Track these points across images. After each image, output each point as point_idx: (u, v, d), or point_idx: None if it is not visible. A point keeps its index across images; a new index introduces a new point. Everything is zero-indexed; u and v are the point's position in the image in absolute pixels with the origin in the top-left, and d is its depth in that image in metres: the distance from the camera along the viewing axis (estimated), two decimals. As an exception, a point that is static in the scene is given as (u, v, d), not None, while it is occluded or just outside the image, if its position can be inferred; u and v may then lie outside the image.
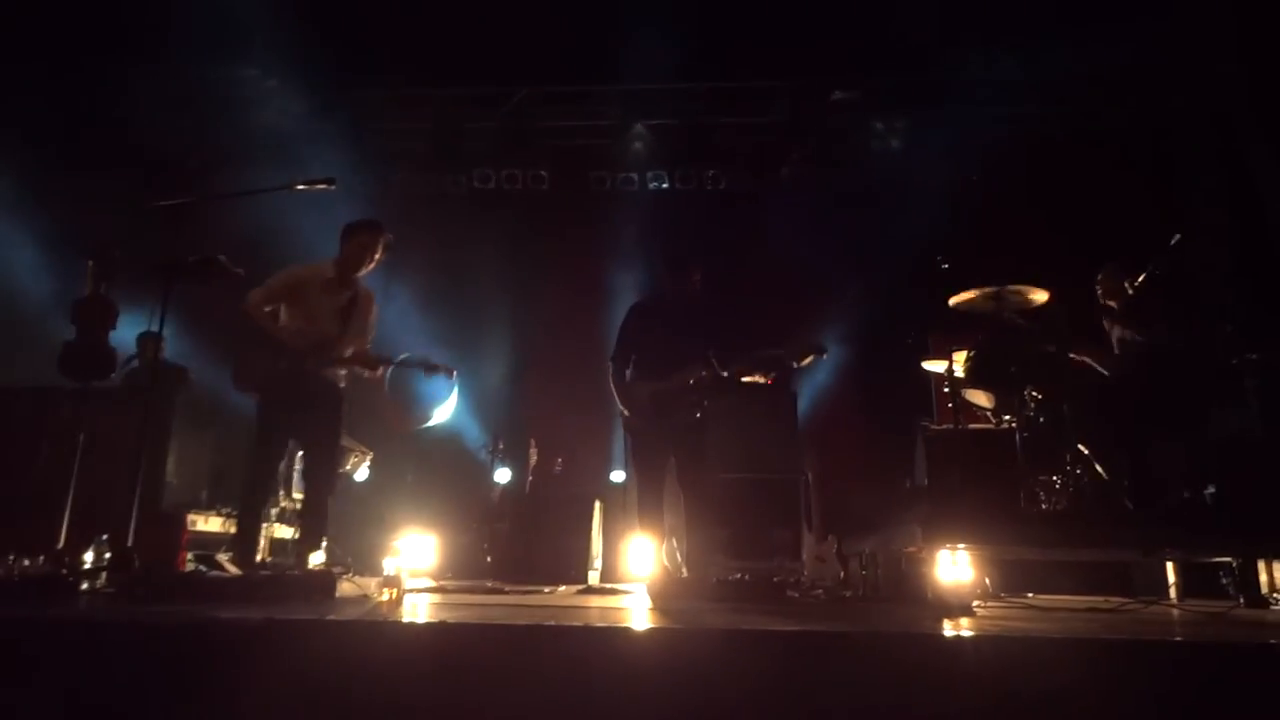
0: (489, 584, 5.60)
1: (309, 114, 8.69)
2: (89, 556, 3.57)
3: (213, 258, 4.10)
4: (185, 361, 6.41)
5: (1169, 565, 4.97)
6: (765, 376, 4.91)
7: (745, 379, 4.84)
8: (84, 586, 3.41)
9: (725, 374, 4.68)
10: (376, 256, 4.71)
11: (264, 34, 7.64)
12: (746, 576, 5.65)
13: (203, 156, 8.54)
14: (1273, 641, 2.43)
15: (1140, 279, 4.71)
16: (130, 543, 3.56)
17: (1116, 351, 4.90)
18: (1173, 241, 4.71)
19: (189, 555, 5.14)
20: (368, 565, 5.50)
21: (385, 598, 3.44)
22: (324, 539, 4.63)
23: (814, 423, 7.38)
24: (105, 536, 3.62)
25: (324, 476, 4.70)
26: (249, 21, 7.46)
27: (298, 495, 6.50)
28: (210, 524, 5.73)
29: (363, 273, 4.74)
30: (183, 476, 5.72)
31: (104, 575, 3.47)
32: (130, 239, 4.98)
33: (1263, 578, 4.49)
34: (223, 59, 8.46)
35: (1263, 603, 4.43)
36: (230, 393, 4.77)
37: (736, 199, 8.84)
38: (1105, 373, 4.81)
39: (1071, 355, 4.64)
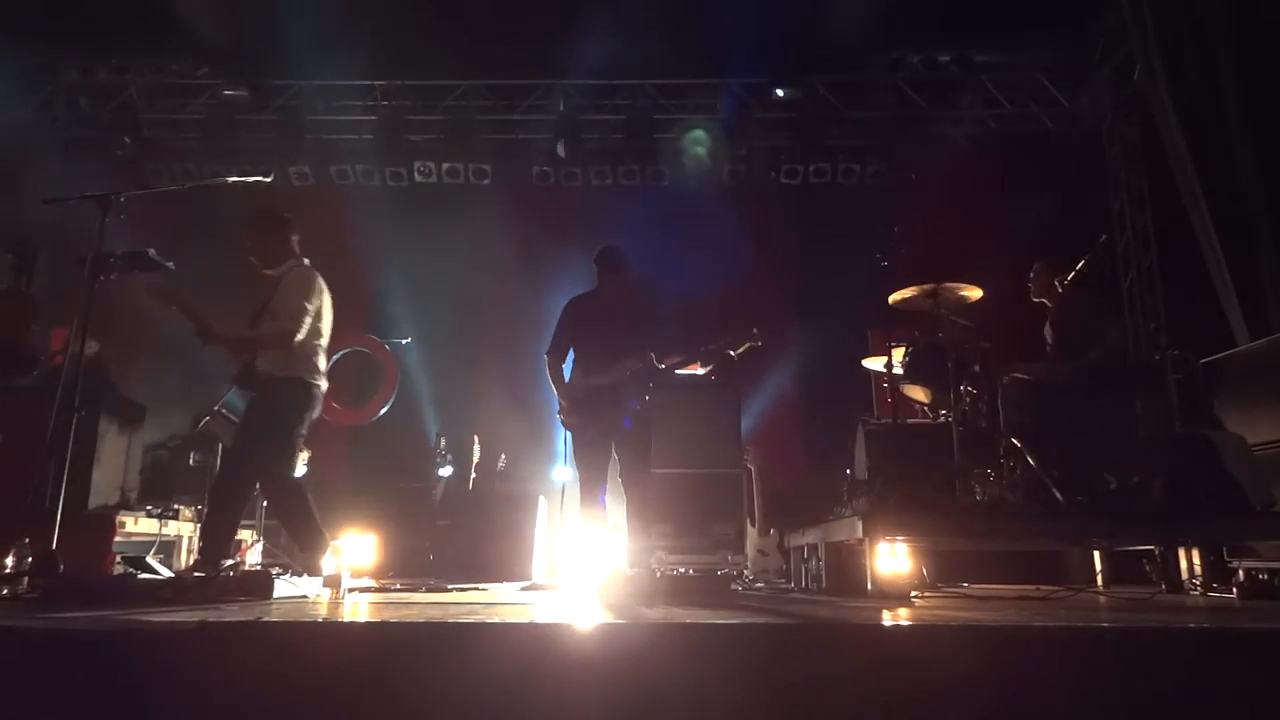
0: (431, 582, 5.54)
1: (244, 105, 8.47)
2: (10, 560, 3.43)
3: (141, 251, 3.96)
4: (113, 359, 6.21)
5: (1096, 554, 5.16)
6: (704, 368, 4.93)
7: (683, 371, 4.84)
8: (4, 592, 3.28)
9: (663, 366, 4.68)
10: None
11: (197, 23, 7.40)
12: (690, 570, 5.69)
13: (133, 147, 8.27)
14: (1191, 625, 2.54)
15: (1070, 277, 4.86)
16: (54, 545, 3.44)
17: (1049, 344, 5.05)
18: (1100, 241, 4.87)
19: (118, 558, 4.98)
20: (306, 565, 5.39)
21: (325, 598, 3.37)
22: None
23: (757, 418, 7.46)
24: (27, 540, 3.49)
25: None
26: (181, 10, 7.22)
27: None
28: (140, 525, 5.56)
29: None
30: (110, 477, 5.53)
31: (26, 580, 3.34)
32: (53, 232, 4.79)
33: (1182, 565, 4.69)
34: (154, 48, 8.19)
35: (1182, 588, 4.63)
36: (160, 392, 4.60)
37: (679, 196, 8.87)
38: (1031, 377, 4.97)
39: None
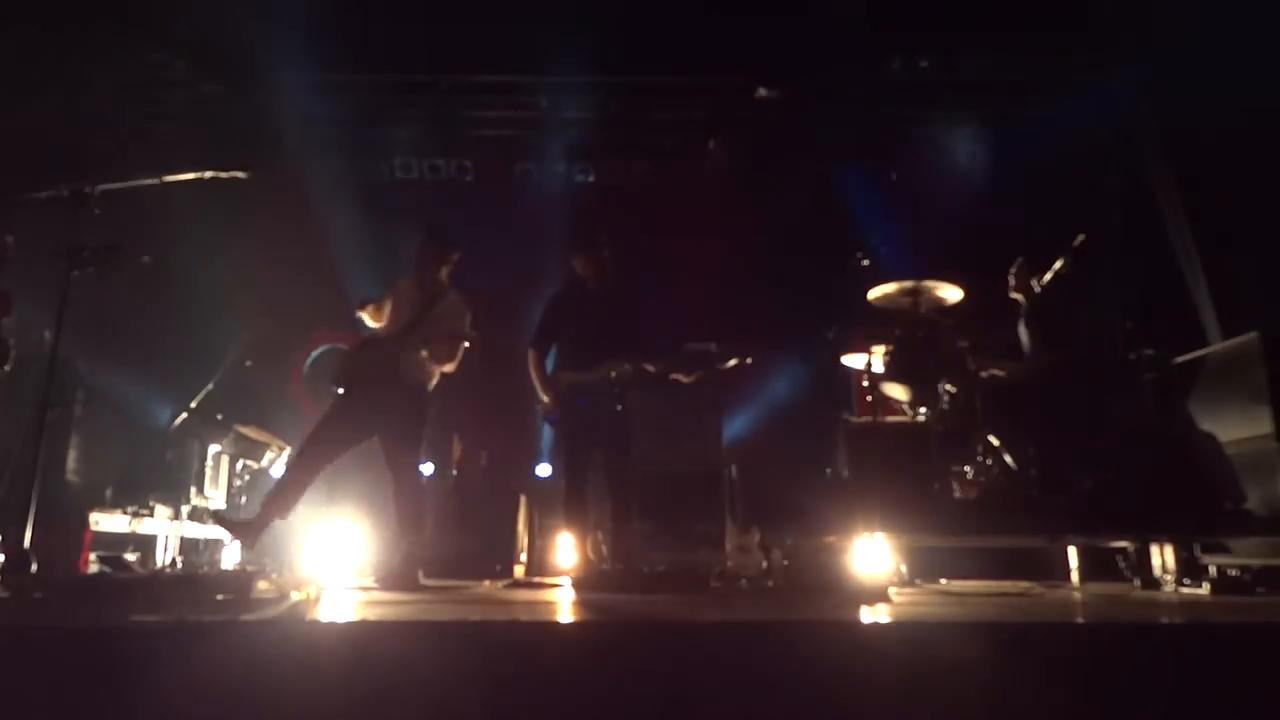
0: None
1: (221, 99, 8.37)
2: (-18, 559, 3.39)
3: (116, 245, 3.92)
4: (88, 355, 6.14)
5: (1071, 550, 5.23)
6: (688, 376, 4.97)
7: (670, 376, 4.87)
8: (-24, 591, 3.23)
9: (650, 369, 4.71)
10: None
11: (172, 13, 7.31)
12: (670, 568, 5.70)
13: (109, 141, 8.15)
14: (1165, 621, 2.58)
15: (1047, 276, 4.92)
16: (27, 543, 3.39)
17: (1024, 343, 5.11)
18: (1076, 242, 4.93)
19: (92, 556, 4.92)
20: (285, 563, 5.36)
21: (303, 596, 3.35)
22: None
23: (738, 416, 7.48)
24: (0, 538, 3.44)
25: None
26: (158, 2, 7.13)
27: (211, 493, 6.31)
28: (115, 523, 5.49)
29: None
30: (85, 474, 5.46)
31: (-1, 579, 3.30)
32: (27, 225, 4.72)
33: (1155, 561, 4.76)
34: (128, 38, 8.07)
35: (1155, 584, 4.70)
36: (138, 389, 4.55)
37: (660, 193, 8.87)
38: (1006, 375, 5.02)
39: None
